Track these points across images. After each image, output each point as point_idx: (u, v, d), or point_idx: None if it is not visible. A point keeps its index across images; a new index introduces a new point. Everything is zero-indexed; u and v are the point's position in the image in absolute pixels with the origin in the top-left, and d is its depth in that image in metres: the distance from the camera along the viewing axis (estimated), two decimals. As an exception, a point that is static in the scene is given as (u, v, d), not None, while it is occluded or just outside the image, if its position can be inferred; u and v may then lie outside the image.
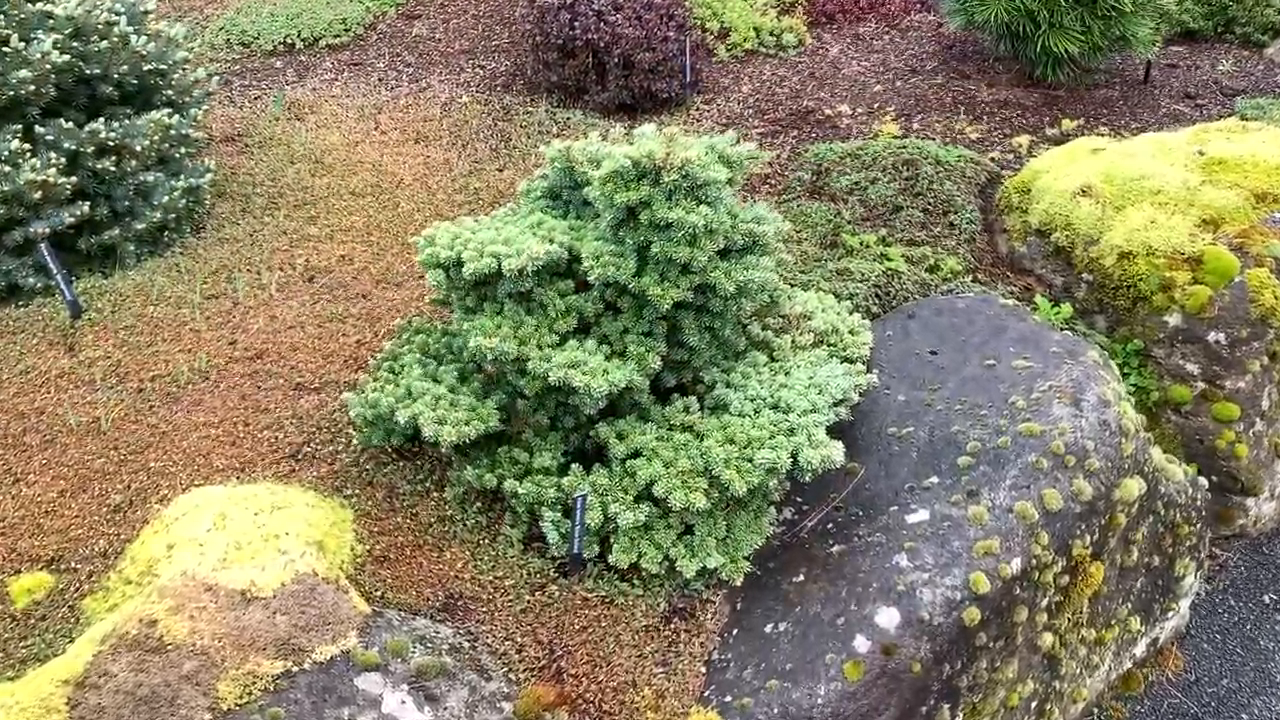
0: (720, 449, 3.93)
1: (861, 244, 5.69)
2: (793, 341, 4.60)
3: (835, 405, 4.20)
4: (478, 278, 4.00)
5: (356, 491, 4.31)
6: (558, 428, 4.27)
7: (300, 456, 4.46)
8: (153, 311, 5.21)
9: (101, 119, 5.21)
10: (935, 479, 4.17)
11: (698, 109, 7.45)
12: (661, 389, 4.36)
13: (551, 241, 4.20)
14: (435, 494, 4.32)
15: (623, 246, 4.01)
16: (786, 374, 4.37)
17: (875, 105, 7.45)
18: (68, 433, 4.52)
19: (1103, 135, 6.77)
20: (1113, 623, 4.40)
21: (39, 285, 5.21)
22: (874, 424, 4.49)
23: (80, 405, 4.66)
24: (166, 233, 5.69)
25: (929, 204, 6.00)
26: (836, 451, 3.89)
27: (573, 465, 4.08)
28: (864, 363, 4.66)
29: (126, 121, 5.37)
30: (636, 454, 4.06)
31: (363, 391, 4.31)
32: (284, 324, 5.19)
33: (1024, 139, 6.82)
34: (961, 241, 5.81)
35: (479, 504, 4.28)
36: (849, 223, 5.95)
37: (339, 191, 6.28)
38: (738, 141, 4.14)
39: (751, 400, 4.18)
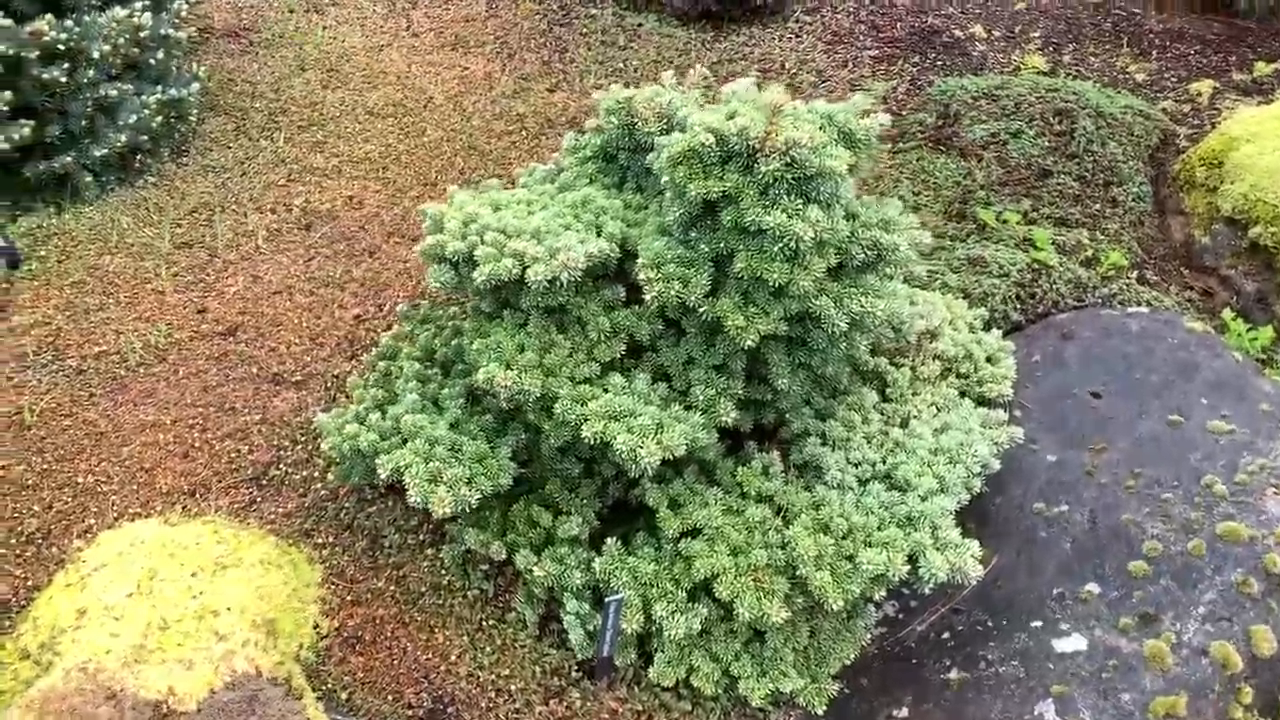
0: (809, 540, 2.87)
1: (1000, 220, 4.47)
2: (913, 372, 3.48)
3: (970, 479, 3.10)
4: (495, 282, 2.92)
5: (330, 539, 3.34)
6: (593, 474, 3.24)
7: (265, 481, 3.49)
8: (109, 263, 4.22)
9: (47, 15, 4.12)
10: (1096, 587, 3.08)
11: (798, 20, 6.14)
12: (732, 431, 3.29)
13: (598, 232, 3.09)
14: (429, 550, 3.33)
15: (694, 253, 2.88)
16: (904, 425, 3.27)
17: (1017, 28, 6.07)
18: (-17, 426, 3.61)
19: (1311, 87, 5.38)
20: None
21: (-32, 225, 4.21)
22: (1013, 493, 3.39)
23: (2, 389, 3.72)
24: (139, 157, 4.65)
25: (1086, 170, 4.73)
26: (971, 563, 2.82)
27: (609, 540, 3.04)
28: (1004, 405, 3.53)
29: (86, 19, 4.28)
30: (695, 531, 3.02)
31: (341, 412, 3.29)
32: (268, 288, 4.17)
33: (1205, 85, 5.45)
34: (1126, 225, 4.55)
35: (484, 568, 3.30)
36: (983, 188, 4.72)
37: (354, 110, 5.16)
38: (868, 112, 2.93)
39: (855, 465, 3.10)
